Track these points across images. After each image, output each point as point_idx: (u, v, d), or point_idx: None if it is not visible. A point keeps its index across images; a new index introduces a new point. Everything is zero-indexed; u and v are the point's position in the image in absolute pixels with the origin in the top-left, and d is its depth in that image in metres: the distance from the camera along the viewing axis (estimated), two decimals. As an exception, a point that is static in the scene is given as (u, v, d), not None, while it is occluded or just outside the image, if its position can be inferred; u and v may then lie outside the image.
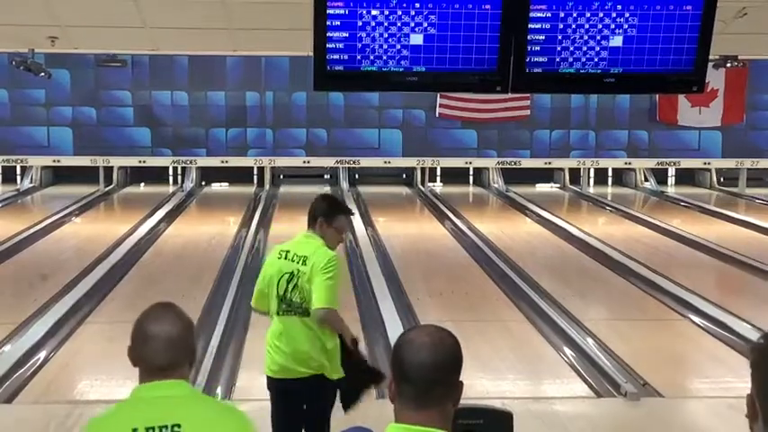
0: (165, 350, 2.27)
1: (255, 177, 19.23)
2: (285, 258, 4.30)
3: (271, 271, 4.34)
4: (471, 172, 19.87)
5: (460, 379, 2.09)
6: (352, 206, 15.54)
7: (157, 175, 18.78)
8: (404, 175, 19.52)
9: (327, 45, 4.34)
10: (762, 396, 1.78)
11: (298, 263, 4.25)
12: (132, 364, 2.35)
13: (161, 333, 2.27)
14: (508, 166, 17.65)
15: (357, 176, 19.27)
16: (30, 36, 6.91)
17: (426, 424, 2.02)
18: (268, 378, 4.37)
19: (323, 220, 4.32)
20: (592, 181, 19.95)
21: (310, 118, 16.65)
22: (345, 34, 4.32)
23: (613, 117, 17.22)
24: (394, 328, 7.43)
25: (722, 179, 19.58)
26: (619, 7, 4.37)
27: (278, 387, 4.33)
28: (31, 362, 6.82)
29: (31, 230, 12.76)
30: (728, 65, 8.88)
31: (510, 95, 10.65)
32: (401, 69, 4.40)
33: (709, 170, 19.40)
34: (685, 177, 19.96)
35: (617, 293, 9.70)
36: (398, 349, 2.08)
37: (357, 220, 13.93)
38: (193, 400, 2.32)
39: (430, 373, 2.03)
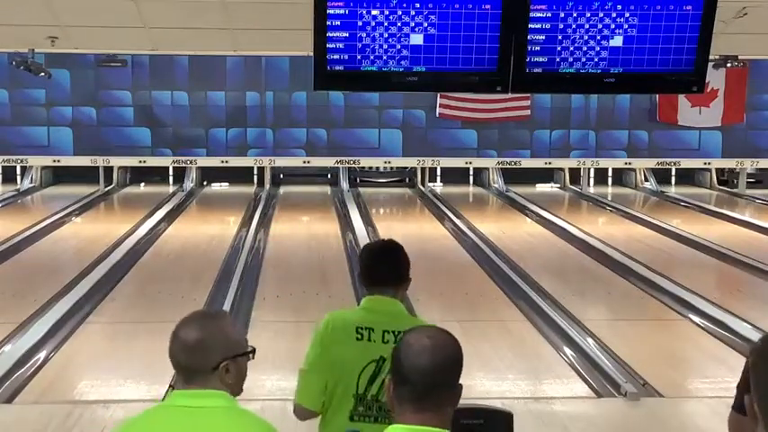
0: (184, 354, 2.28)
1: (255, 177, 19.23)
2: (368, 339, 3.06)
3: (343, 356, 3.05)
4: (471, 172, 19.86)
5: (460, 382, 2.08)
6: (352, 207, 15.57)
7: (157, 175, 18.79)
8: (407, 180, 19.50)
9: (327, 45, 4.33)
10: (760, 398, 1.78)
11: (392, 342, 2.96)
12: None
13: (185, 337, 2.29)
14: (508, 166, 17.64)
15: (358, 180, 19.25)
16: (30, 36, 6.90)
17: (425, 425, 2.02)
18: None
19: (407, 281, 3.23)
20: (592, 181, 19.95)
21: (310, 118, 16.63)
22: (345, 34, 4.32)
23: (613, 117, 17.20)
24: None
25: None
26: (619, 7, 4.37)
27: None
28: (31, 362, 6.82)
29: (31, 230, 12.76)
30: (728, 65, 8.85)
31: (510, 95, 10.65)
32: (401, 69, 4.40)
33: (710, 170, 19.41)
34: (685, 177, 19.97)
35: (617, 293, 9.70)
36: (398, 351, 2.07)
37: (357, 220, 13.93)
38: (230, 413, 2.28)
39: (429, 376, 2.02)
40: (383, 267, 3.19)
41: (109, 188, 18.28)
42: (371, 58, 4.37)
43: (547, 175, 19.43)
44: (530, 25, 4.36)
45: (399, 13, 4.30)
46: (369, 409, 3.05)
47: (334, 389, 3.03)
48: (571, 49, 4.42)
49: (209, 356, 2.29)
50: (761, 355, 1.84)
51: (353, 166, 17.56)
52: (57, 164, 17.11)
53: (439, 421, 2.03)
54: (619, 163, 18.08)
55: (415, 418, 2.03)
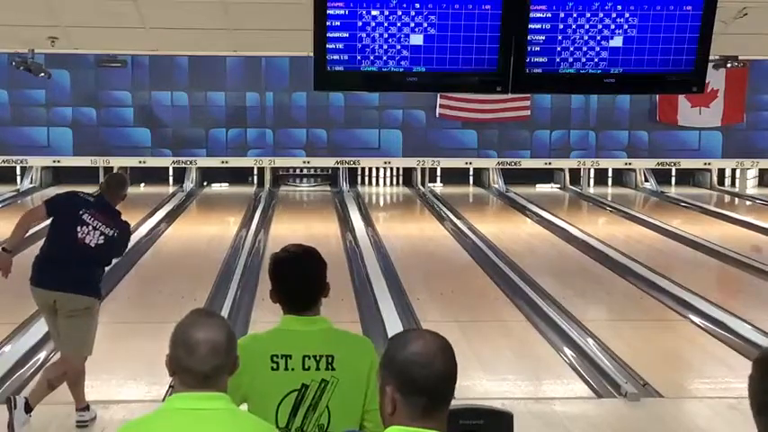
0: (209, 358, 2.19)
1: (256, 177, 19.22)
2: (285, 368, 2.77)
3: (257, 388, 2.76)
4: (471, 172, 19.87)
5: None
6: (352, 207, 15.56)
7: (158, 175, 18.78)
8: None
9: (327, 45, 4.33)
10: (758, 410, 1.79)
11: (314, 369, 2.77)
12: (170, 372, 2.25)
13: (206, 340, 2.19)
14: (508, 167, 17.66)
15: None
16: (30, 36, 6.90)
17: (426, 427, 2.01)
18: None
19: (326, 290, 2.95)
20: (592, 181, 19.94)
21: (310, 118, 16.65)
22: (345, 34, 4.32)
23: (613, 117, 17.22)
24: (394, 328, 7.41)
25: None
26: (619, 7, 4.36)
27: None
28: (31, 362, 6.82)
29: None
30: (728, 65, 8.85)
31: (510, 96, 10.65)
32: (401, 69, 4.39)
33: (710, 170, 19.42)
34: (685, 177, 19.98)
35: (617, 294, 9.70)
36: (405, 364, 1.99)
37: (357, 220, 13.93)
38: (231, 416, 2.24)
39: (444, 382, 2.00)
40: (298, 283, 2.87)
41: (109, 188, 18.24)
42: (371, 58, 4.36)
43: (547, 176, 19.43)
44: (530, 25, 4.36)
45: (399, 13, 4.30)
46: None
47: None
48: (571, 49, 4.42)
49: (231, 355, 2.26)
50: (761, 368, 1.85)
51: (353, 166, 17.55)
52: (57, 164, 17.13)
53: (440, 425, 2.03)
54: (619, 163, 18.10)
55: (421, 424, 2.01)
